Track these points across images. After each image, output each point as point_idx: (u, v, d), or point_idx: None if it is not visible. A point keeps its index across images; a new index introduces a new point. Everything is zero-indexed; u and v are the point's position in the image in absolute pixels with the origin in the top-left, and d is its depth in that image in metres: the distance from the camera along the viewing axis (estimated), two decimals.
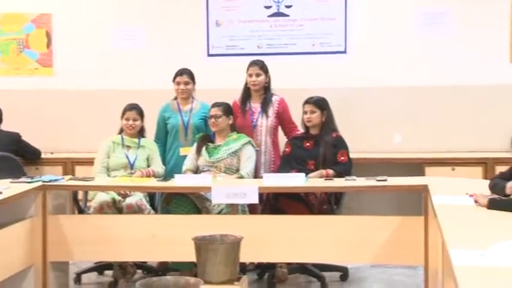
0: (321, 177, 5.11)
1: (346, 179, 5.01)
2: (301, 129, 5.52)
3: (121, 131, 5.61)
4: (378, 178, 4.95)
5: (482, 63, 6.51)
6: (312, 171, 5.18)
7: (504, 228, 3.36)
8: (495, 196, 3.99)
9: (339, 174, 5.12)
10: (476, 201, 3.98)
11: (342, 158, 5.27)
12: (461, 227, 3.47)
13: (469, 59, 6.54)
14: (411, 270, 5.44)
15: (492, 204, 3.88)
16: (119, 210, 5.17)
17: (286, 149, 5.47)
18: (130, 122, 5.54)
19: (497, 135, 6.42)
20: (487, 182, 4.54)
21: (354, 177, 5.05)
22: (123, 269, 5.34)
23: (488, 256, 2.86)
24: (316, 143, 5.31)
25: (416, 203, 5.26)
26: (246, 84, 5.67)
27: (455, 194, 4.30)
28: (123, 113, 5.58)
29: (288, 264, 5.24)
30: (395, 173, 5.30)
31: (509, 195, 4.01)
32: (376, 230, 4.77)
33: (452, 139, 6.54)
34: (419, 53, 6.60)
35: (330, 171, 5.16)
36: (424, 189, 4.66)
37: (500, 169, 5.99)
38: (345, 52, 6.72)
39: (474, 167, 6.19)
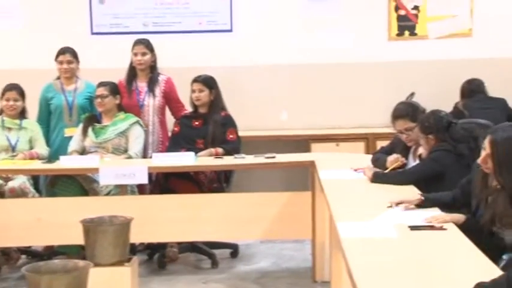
0: (210, 155, 5.13)
1: (235, 157, 5.06)
2: (189, 109, 5.50)
3: (1, 112, 5.40)
4: (267, 155, 5.03)
5: (363, 41, 6.71)
6: (201, 150, 5.19)
7: (386, 199, 3.51)
8: (378, 170, 4.16)
9: (228, 153, 5.16)
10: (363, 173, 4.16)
11: (231, 136, 5.30)
12: (347, 201, 3.61)
13: (350, 38, 6.72)
14: (299, 244, 5.58)
15: (376, 178, 4.05)
16: (1, 195, 4.99)
17: (175, 129, 5.44)
18: (11, 103, 5.34)
19: (377, 111, 6.66)
20: (369, 156, 4.73)
21: (243, 155, 5.11)
22: (7, 255, 5.17)
23: (372, 227, 2.99)
24: (205, 122, 5.31)
25: (304, 178, 5.41)
26: (132, 63, 5.58)
27: (341, 169, 4.46)
28: (3, 94, 5.37)
29: (179, 243, 5.24)
30: (283, 149, 5.41)
31: (391, 168, 4.21)
32: (265, 206, 4.86)
33: (336, 116, 6.72)
34: (304, 32, 6.72)
35: (219, 150, 5.18)
36: (311, 165, 4.79)
37: (381, 144, 6.25)
38: (231, 31, 6.74)
39: (357, 143, 6.41)
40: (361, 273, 2.34)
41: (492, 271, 2.31)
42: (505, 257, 2.87)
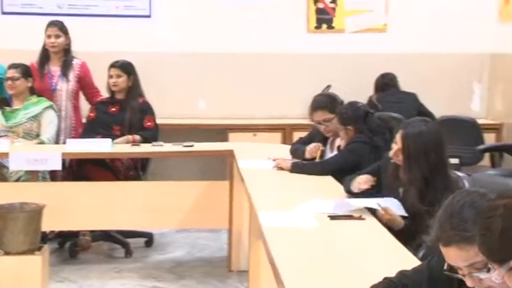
0: (127, 142, 5.03)
1: (153, 145, 4.98)
2: (105, 94, 5.38)
3: None
4: (185, 144, 4.99)
5: (282, 32, 6.74)
6: (118, 136, 5.08)
7: (305, 189, 3.55)
8: (297, 160, 4.19)
9: (146, 140, 5.08)
10: (277, 166, 4.17)
11: (149, 123, 5.21)
12: (267, 190, 3.62)
13: (270, 28, 6.74)
14: (214, 233, 5.57)
15: (294, 168, 4.08)
16: None
17: (91, 114, 5.31)
18: None
19: (295, 102, 6.71)
20: (286, 146, 4.77)
21: (161, 142, 5.03)
22: None
23: (293, 217, 3.01)
24: (122, 108, 5.20)
25: (221, 168, 5.39)
26: (44, 45, 5.40)
27: (259, 158, 4.47)
28: None
29: (91, 231, 5.12)
30: (200, 138, 5.37)
31: (309, 158, 4.25)
32: (182, 195, 4.83)
33: (254, 106, 6.73)
34: (223, 21, 6.69)
35: (137, 137, 5.09)
36: (230, 154, 4.78)
37: (298, 135, 6.31)
38: (149, 16, 6.63)
39: (274, 133, 6.45)
40: (283, 262, 2.36)
41: (410, 260, 2.36)
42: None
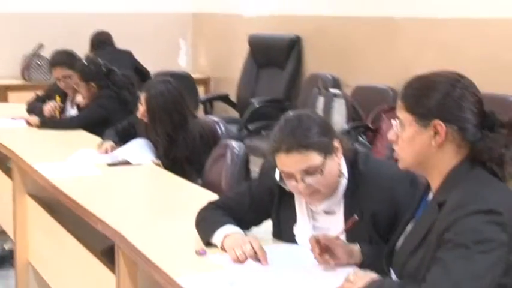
0: None
1: None
2: None
3: None
4: None
5: None
6: None
7: (66, 142, 3.75)
8: (45, 118, 4.27)
9: None
10: (27, 123, 4.24)
11: None
12: (28, 145, 3.70)
13: None
14: None
15: (44, 124, 4.19)
16: None
17: None
18: None
19: (5, 63, 6.63)
20: (22, 105, 4.78)
21: None
22: None
23: (74, 167, 3.20)
24: None
25: None
26: None
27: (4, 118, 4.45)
28: None
29: None
30: None
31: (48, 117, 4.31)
32: None
33: None
34: None
35: None
36: None
37: (13, 95, 6.33)
38: None
39: None
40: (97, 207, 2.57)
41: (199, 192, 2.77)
42: None
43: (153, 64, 6.52)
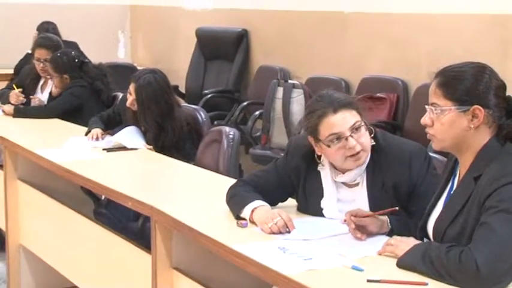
0: None
1: None
2: None
3: None
4: None
5: None
6: None
7: (50, 130, 3.81)
8: (19, 106, 4.30)
9: None
10: (3, 111, 4.26)
11: None
12: (18, 134, 3.73)
13: None
14: None
15: (18, 113, 4.23)
16: None
17: None
18: None
19: None
20: None
21: None
22: None
23: (73, 153, 3.31)
24: None
25: None
26: None
27: None
28: None
29: None
30: None
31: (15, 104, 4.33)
32: None
33: None
34: None
35: None
36: None
37: None
38: None
39: None
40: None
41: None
42: None
43: (91, 55, 6.53)
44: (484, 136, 1.92)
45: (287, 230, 2.19)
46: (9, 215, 3.51)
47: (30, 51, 4.83)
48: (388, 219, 2.18)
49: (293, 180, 2.39)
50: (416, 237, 2.03)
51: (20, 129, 3.88)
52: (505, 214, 1.77)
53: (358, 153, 2.21)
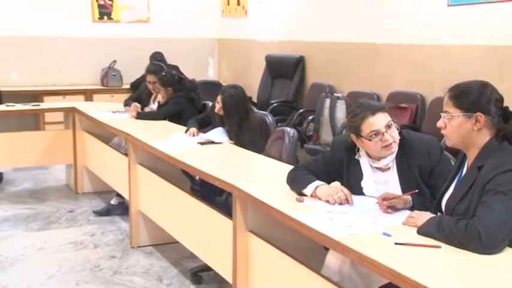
0: None
1: (7, 105, 4.68)
2: None
3: None
4: (33, 104, 4.78)
5: (71, 21, 6.60)
6: None
7: (160, 129, 3.85)
8: (141, 111, 4.38)
9: None
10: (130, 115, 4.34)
11: None
12: (135, 130, 3.80)
13: (60, 17, 6.56)
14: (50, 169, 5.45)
15: (140, 115, 4.30)
16: None
17: None
18: None
19: (89, 73, 6.73)
20: (110, 104, 4.87)
21: (13, 103, 4.72)
22: None
23: (175, 145, 3.32)
24: None
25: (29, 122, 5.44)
26: None
27: (102, 112, 4.55)
28: None
29: None
30: (22, 101, 5.13)
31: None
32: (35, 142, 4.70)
33: (59, 76, 6.57)
34: (28, 8, 6.32)
35: None
36: (72, 110, 4.77)
37: (97, 97, 6.42)
38: None
39: (78, 96, 6.42)
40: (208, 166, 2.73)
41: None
42: None
43: (189, 74, 6.62)
44: (485, 136, 1.86)
45: (347, 201, 2.14)
46: (131, 189, 3.58)
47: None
48: (410, 198, 2.13)
49: (338, 168, 2.35)
50: (431, 212, 1.97)
51: (139, 127, 3.95)
52: (501, 195, 1.72)
53: (390, 144, 2.18)
